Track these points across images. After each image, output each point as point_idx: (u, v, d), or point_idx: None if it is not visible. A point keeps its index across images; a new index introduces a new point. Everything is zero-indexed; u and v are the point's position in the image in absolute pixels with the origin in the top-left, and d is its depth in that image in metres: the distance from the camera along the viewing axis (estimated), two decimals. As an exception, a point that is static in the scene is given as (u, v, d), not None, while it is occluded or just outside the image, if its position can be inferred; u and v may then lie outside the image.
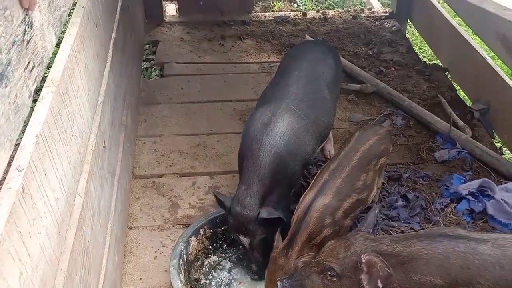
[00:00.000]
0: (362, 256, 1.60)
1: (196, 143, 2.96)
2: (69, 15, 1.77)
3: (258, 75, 3.64)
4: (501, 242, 1.61)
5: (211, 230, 2.29)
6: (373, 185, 2.22)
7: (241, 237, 2.08)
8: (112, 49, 2.34)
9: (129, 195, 2.57)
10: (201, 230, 2.26)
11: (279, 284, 1.72)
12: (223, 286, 2.20)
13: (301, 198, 2.07)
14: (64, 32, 1.73)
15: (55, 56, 1.59)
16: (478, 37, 3.57)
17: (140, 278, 2.17)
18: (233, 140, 2.94)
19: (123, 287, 2.13)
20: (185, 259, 2.14)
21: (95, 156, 1.80)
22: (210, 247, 2.30)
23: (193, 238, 2.22)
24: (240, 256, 2.30)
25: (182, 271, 2.08)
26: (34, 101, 1.37)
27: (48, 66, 1.51)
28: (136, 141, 2.95)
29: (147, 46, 3.98)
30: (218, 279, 2.23)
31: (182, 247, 2.15)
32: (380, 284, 1.60)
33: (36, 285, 1.16)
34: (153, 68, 3.71)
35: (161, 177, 2.72)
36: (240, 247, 2.26)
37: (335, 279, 1.67)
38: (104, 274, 1.78)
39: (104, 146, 1.97)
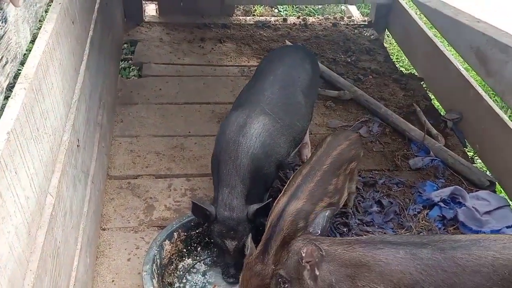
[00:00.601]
0: (301, 251, 1.61)
1: (173, 144, 2.94)
2: (45, 11, 1.74)
3: (237, 79, 3.64)
4: (441, 245, 1.64)
5: (185, 233, 2.27)
6: (344, 189, 2.26)
7: (228, 242, 2.06)
8: (88, 47, 2.30)
9: (103, 195, 2.52)
10: (175, 233, 2.23)
11: None
12: None
13: (274, 203, 2.08)
14: (39, 28, 1.69)
15: (29, 52, 1.55)
16: (453, 48, 3.67)
17: (113, 281, 2.13)
18: (210, 143, 2.92)
19: (94, 290, 2.09)
20: (158, 264, 2.11)
21: (68, 155, 1.76)
22: (184, 250, 2.28)
23: (166, 241, 2.19)
24: (215, 259, 2.29)
25: (156, 276, 2.04)
26: (6, 97, 1.33)
27: (22, 63, 1.47)
28: (112, 141, 2.91)
29: (125, 45, 3.93)
30: (192, 282, 2.21)
31: (156, 251, 2.12)
32: (317, 272, 1.60)
33: (3, 286, 1.12)
34: (131, 68, 3.67)
35: (136, 178, 2.69)
36: (216, 250, 2.25)
37: (287, 285, 1.67)
38: (75, 276, 1.74)
39: (78, 145, 1.93)
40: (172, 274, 2.21)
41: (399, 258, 1.62)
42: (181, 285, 2.19)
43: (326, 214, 1.89)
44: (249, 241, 1.96)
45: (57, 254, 1.56)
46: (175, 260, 2.24)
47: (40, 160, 1.46)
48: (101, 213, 2.43)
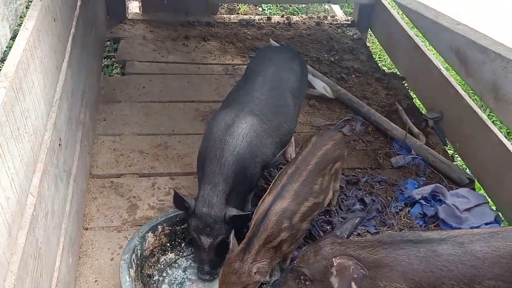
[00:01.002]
0: (334, 259, 1.65)
1: (157, 143, 2.92)
2: (26, 7, 1.71)
3: (221, 77, 3.63)
4: (460, 239, 1.68)
5: (170, 228, 2.27)
6: (329, 189, 2.28)
7: (203, 238, 2.07)
8: (70, 45, 2.27)
9: (86, 195, 2.50)
10: (159, 226, 2.24)
11: None
12: (176, 284, 2.18)
13: (260, 202, 2.09)
14: (20, 25, 1.66)
15: (9, 50, 1.53)
16: (434, 49, 3.73)
17: (96, 280, 2.12)
18: (195, 141, 2.92)
19: (76, 290, 2.07)
20: (138, 254, 2.12)
21: (49, 155, 1.74)
22: (168, 244, 2.28)
23: (150, 234, 2.20)
24: (193, 256, 2.29)
25: (134, 266, 2.06)
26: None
27: (2, 60, 1.45)
28: (95, 139, 2.88)
29: (108, 43, 3.89)
30: (172, 277, 2.21)
31: (137, 242, 2.13)
32: (354, 286, 1.63)
33: (-18, 288, 1.11)
34: (114, 66, 3.63)
35: (120, 177, 2.67)
36: (193, 247, 2.25)
37: (308, 282, 1.72)
38: (57, 276, 1.72)
39: (59, 144, 1.91)
40: (153, 267, 2.21)
41: (420, 257, 1.65)
42: (161, 278, 2.20)
43: (356, 221, 1.88)
44: (232, 237, 1.98)
45: (39, 254, 1.54)
46: (157, 253, 2.25)
47: (20, 160, 1.44)
48: (84, 212, 2.41)
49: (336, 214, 2.58)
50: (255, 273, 1.88)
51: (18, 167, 1.41)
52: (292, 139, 2.92)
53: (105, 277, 2.12)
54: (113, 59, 3.71)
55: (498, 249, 1.61)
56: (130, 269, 2.00)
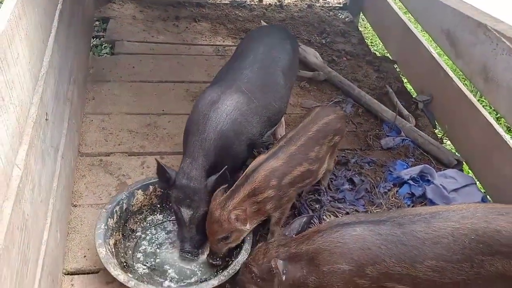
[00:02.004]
0: (272, 261, 1.71)
1: (146, 122, 2.91)
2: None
3: (212, 58, 3.61)
4: (400, 220, 1.70)
5: (162, 190, 2.31)
6: (324, 160, 2.29)
7: (183, 210, 2.07)
8: (57, 20, 2.23)
9: (74, 172, 2.48)
10: (151, 186, 2.28)
11: None
12: (155, 243, 2.22)
13: (256, 159, 2.13)
14: (4, -5, 1.63)
15: (-7, 19, 1.50)
16: (424, 30, 3.73)
17: (84, 256, 2.11)
18: (184, 121, 2.86)
19: (66, 265, 2.07)
20: (123, 208, 2.18)
21: (36, 129, 1.72)
22: (158, 205, 2.33)
23: (140, 191, 2.25)
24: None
25: (115, 218, 2.12)
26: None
27: (-15, 29, 1.42)
28: (83, 118, 2.85)
29: (97, 22, 3.84)
30: (154, 237, 2.26)
31: (124, 196, 2.19)
32: (279, 281, 1.72)
33: (-34, 255, 1.10)
34: (103, 46, 3.59)
35: (109, 155, 2.65)
36: (177, 224, 2.25)
37: (259, 280, 1.79)
38: (44, 250, 1.72)
39: (46, 119, 1.89)
40: (138, 223, 2.28)
41: (356, 236, 1.69)
42: (143, 235, 2.26)
43: (304, 220, 1.93)
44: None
45: (26, 227, 1.53)
46: (145, 211, 2.31)
47: (6, 131, 1.42)
48: (72, 190, 2.40)
49: (325, 194, 2.59)
50: (234, 219, 1.93)
51: (2, 137, 1.39)
52: (283, 120, 2.92)
53: (94, 252, 2.11)
54: (102, 39, 3.67)
55: (439, 230, 1.62)
56: (109, 219, 2.07)
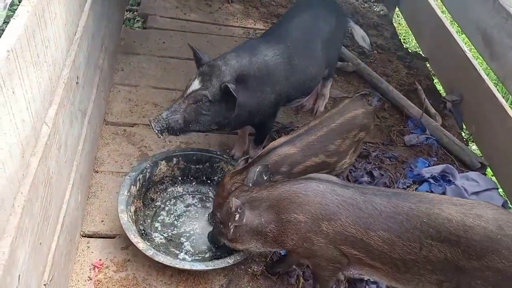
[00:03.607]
0: (229, 199, 1.77)
1: (171, 97, 2.93)
2: None
3: (242, 40, 3.59)
4: (364, 190, 1.76)
5: (185, 163, 2.35)
6: (346, 155, 2.24)
7: (196, 81, 2.06)
8: (95, -13, 2.26)
9: (99, 139, 2.53)
10: (175, 158, 2.32)
11: None
12: (173, 215, 2.27)
13: (274, 141, 2.13)
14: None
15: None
16: (460, 29, 3.64)
17: (102, 221, 2.17)
18: (209, 100, 2.92)
19: (84, 227, 2.12)
20: (146, 177, 2.22)
21: (66, 90, 1.76)
22: (180, 178, 2.38)
23: (163, 162, 2.30)
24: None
25: (137, 185, 2.16)
26: (6, 22, 1.32)
27: (26, -14, 1.45)
28: (111, 88, 2.90)
29: (132, -4, 3.87)
30: (172, 208, 2.30)
31: (148, 165, 2.24)
32: (233, 222, 1.78)
33: (-6, 200, 1.14)
34: (136, 19, 3.62)
35: (132, 126, 2.69)
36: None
37: (221, 226, 1.86)
38: (65, 209, 1.77)
39: (77, 82, 1.93)
40: (159, 193, 2.32)
41: (318, 191, 1.74)
42: (162, 205, 2.30)
43: (257, 169, 1.94)
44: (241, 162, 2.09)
45: (49, 183, 1.57)
46: (166, 182, 2.35)
47: (38, 87, 1.46)
48: (95, 155, 2.45)
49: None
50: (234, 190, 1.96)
51: (35, 93, 1.43)
52: (327, 94, 3.01)
53: (111, 218, 2.17)
54: (135, 12, 3.70)
55: (397, 206, 1.68)
56: (132, 186, 2.11)
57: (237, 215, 1.76)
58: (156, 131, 2.03)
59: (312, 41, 2.49)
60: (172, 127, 2.03)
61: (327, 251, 1.75)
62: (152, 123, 2.03)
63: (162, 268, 2.00)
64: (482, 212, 1.64)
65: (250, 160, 2.09)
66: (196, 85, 2.05)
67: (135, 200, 2.15)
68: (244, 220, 1.78)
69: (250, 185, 1.89)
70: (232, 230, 1.81)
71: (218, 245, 1.98)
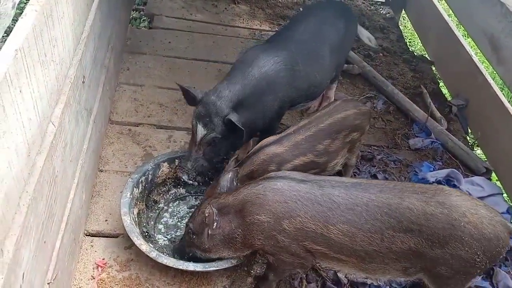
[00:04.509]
0: (206, 209, 1.77)
1: (177, 98, 2.93)
2: None
3: (248, 41, 3.60)
4: (322, 183, 1.74)
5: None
6: (337, 155, 2.24)
7: (200, 127, 2.08)
8: (102, -13, 2.27)
9: (104, 138, 2.53)
10: (177, 160, 2.30)
11: None
12: (177, 216, 2.27)
13: (263, 140, 2.15)
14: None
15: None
16: (467, 33, 3.63)
17: (106, 220, 2.17)
18: (214, 100, 2.92)
19: (87, 226, 2.13)
20: (148, 179, 2.22)
21: (73, 89, 1.76)
22: (182, 179, 2.33)
23: (165, 164, 2.29)
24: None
25: (140, 187, 2.16)
26: (15, 20, 1.32)
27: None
28: (117, 87, 2.90)
29: (138, -4, 3.88)
30: (175, 209, 2.30)
31: (150, 167, 2.23)
32: (208, 232, 1.79)
33: (0, 199, 1.14)
34: (142, 19, 3.63)
35: (138, 126, 2.69)
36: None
37: (194, 236, 1.86)
38: (70, 208, 1.77)
39: (83, 82, 1.93)
40: (161, 195, 2.32)
41: (276, 189, 1.73)
42: (165, 207, 2.30)
43: (229, 176, 1.97)
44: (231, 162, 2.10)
45: (55, 182, 1.58)
46: (169, 184, 2.34)
47: (45, 86, 1.46)
48: (100, 154, 2.45)
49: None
50: None
51: (42, 92, 1.43)
52: (332, 96, 2.97)
53: (115, 218, 2.17)
54: (141, 12, 3.70)
55: (356, 198, 1.67)
56: (135, 188, 2.11)
57: (214, 224, 1.78)
58: (191, 181, 2.17)
59: (320, 46, 2.46)
60: (201, 171, 2.17)
61: (290, 248, 1.75)
62: (183, 177, 2.16)
63: (165, 269, 2.00)
64: (445, 199, 1.63)
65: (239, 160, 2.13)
66: (202, 131, 2.09)
67: (138, 202, 2.15)
68: (218, 228, 1.80)
69: (224, 191, 1.92)
70: (207, 239, 1.82)
71: (185, 256, 1.96)
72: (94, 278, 1.94)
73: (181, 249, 1.96)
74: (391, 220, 1.62)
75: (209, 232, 1.80)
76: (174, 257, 1.96)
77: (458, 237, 1.59)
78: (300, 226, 1.70)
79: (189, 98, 2.15)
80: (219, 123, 2.06)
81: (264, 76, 2.16)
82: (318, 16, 2.56)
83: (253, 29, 3.77)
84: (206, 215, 1.77)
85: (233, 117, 2.04)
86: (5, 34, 1.20)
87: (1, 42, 1.19)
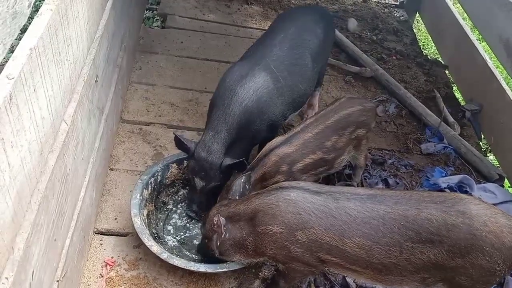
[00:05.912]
0: (214, 217, 1.78)
1: (188, 98, 2.94)
2: None
3: (260, 42, 3.59)
4: (337, 195, 1.71)
5: None
6: (343, 152, 2.25)
7: (197, 180, 2.10)
8: (117, -14, 2.28)
9: (115, 137, 2.55)
10: (186, 161, 2.30)
11: None
12: (185, 218, 2.27)
13: (271, 141, 2.14)
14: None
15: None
16: (482, 37, 3.58)
17: (115, 219, 2.18)
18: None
19: (97, 224, 2.14)
20: (158, 180, 2.22)
21: (86, 88, 1.77)
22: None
23: (174, 165, 2.29)
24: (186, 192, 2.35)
25: (149, 189, 2.16)
26: (31, 17, 1.33)
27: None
28: (129, 86, 2.92)
29: (152, -5, 3.89)
30: (184, 211, 2.29)
31: (160, 168, 2.23)
32: (218, 241, 1.82)
33: (12, 197, 1.15)
34: (155, 18, 3.64)
35: (148, 125, 2.70)
36: (187, 188, 2.32)
37: (206, 240, 1.87)
38: (80, 206, 1.78)
39: (96, 81, 1.94)
40: (170, 196, 2.32)
41: (289, 200, 1.71)
42: (174, 208, 2.31)
43: (242, 180, 1.96)
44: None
45: (66, 180, 1.59)
46: (178, 185, 2.35)
47: (59, 85, 1.47)
48: (111, 153, 2.46)
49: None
50: None
51: (56, 91, 1.44)
52: (316, 104, 2.90)
53: (125, 217, 2.18)
54: (154, 11, 3.72)
55: (372, 211, 1.64)
56: (144, 190, 2.11)
57: (222, 232, 1.79)
58: (200, 218, 2.19)
59: (301, 56, 2.38)
60: (207, 207, 2.15)
61: (303, 258, 1.74)
62: (192, 215, 2.22)
63: (173, 269, 2.00)
64: (465, 208, 1.60)
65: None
66: (200, 184, 2.12)
67: (148, 204, 2.15)
68: (228, 235, 1.80)
69: (237, 197, 1.92)
70: (217, 244, 1.84)
71: (207, 256, 1.98)
72: (102, 276, 1.95)
73: (200, 250, 2.02)
74: (409, 232, 1.60)
75: (219, 239, 1.82)
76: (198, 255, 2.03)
77: (479, 247, 1.57)
78: (314, 237, 1.68)
79: (182, 147, 2.14)
80: (216, 174, 2.08)
81: (245, 109, 2.12)
82: (294, 23, 2.48)
83: (265, 29, 3.74)
84: (215, 223, 1.78)
85: (228, 161, 2.06)
86: (20, 32, 1.21)
87: (17, 40, 1.19)
